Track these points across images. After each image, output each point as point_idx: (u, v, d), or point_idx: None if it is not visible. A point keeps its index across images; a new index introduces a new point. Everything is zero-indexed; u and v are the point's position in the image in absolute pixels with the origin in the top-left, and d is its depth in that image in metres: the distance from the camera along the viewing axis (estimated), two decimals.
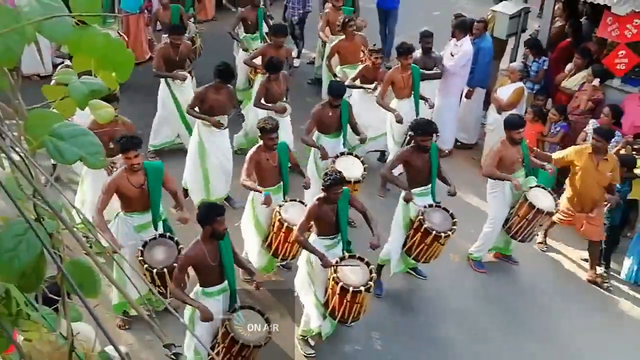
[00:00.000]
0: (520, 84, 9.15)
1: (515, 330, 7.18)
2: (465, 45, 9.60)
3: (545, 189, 7.57)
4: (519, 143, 7.41)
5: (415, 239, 6.96)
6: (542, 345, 6.99)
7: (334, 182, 6.15)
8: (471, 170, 9.59)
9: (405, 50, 8.61)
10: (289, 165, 7.24)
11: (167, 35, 9.49)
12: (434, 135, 7.15)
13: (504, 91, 9.19)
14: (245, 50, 10.05)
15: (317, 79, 11.17)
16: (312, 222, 6.39)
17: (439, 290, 7.71)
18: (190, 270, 5.89)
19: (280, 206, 6.85)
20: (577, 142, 8.50)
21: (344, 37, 9.77)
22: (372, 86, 9.01)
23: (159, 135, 9.24)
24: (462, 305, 7.48)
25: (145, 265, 6.09)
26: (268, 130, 6.84)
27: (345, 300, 6.07)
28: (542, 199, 7.42)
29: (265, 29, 10.46)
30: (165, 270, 6.07)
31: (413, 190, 7.05)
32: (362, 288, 6.02)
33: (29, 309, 1.53)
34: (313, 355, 6.65)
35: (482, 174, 7.53)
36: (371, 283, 6.13)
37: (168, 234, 6.50)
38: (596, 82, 8.76)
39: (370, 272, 6.22)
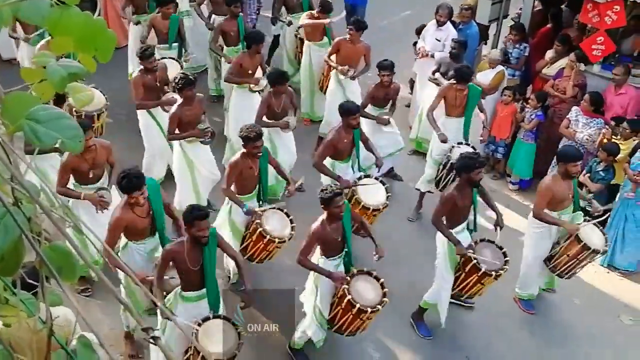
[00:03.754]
0: (500, 68, 9.26)
1: None
2: (451, 29, 9.69)
3: (590, 222, 6.91)
4: (573, 177, 6.77)
5: (469, 281, 6.51)
6: None
7: (334, 195, 5.83)
8: None
9: (464, 77, 8.07)
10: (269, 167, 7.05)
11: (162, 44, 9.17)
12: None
13: (484, 77, 9.24)
14: (230, 63, 9.27)
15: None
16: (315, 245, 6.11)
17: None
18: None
19: (260, 217, 6.63)
20: (560, 129, 8.57)
21: (348, 37, 9.16)
22: (384, 120, 8.48)
23: (152, 174, 8.33)
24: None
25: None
26: (252, 139, 6.59)
27: (359, 319, 5.91)
28: (592, 236, 6.79)
29: None
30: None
31: (453, 230, 6.52)
32: (379, 307, 5.85)
33: (7, 294, 1.52)
34: None
35: (533, 215, 6.80)
36: (386, 299, 5.90)
37: None
38: (581, 66, 8.82)
39: (382, 287, 5.99)
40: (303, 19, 9.95)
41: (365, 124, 8.17)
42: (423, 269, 7.34)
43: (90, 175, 6.70)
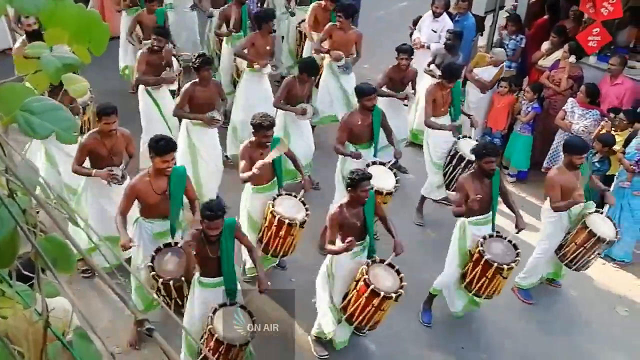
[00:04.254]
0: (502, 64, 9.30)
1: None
2: (447, 20, 9.70)
3: (602, 214, 6.97)
4: (578, 168, 6.78)
5: (475, 272, 6.42)
6: None
7: (362, 178, 5.79)
8: None
9: (454, 74, 7.97)
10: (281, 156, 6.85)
11: (147, 39, 8.89)
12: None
13: (486, 73, 9.22)
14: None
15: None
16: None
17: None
18: None
19: (273, 199, 6.55)
20: (556, 120, 8.58)
21: (338, 24, 9.11)
22: (403, 94, 8.52)
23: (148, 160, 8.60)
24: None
25: (153, 273, 5.82)
26: (265, 127, 6.45)
27: (371, 305, 5.81)
28: (602, 225, 6.82)
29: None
30: (171, 282, 5.76)
31: (471, 219, 6.51)
32: (394, 295, 5.74)
33: (3, 286, 1.52)
34: (326, 356, 6.48)
35: (552, 209, 6.77)
36: (402, 291, 5.80)
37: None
38: (572, 59, 8.80)
39: (401, 280, 5.89)
40: (310, 13, 9.86)
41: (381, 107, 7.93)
42: (427, 265, 7.35)
43: (111, 161, 6.57)
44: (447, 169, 8.01)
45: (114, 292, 1.35)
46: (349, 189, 5.90)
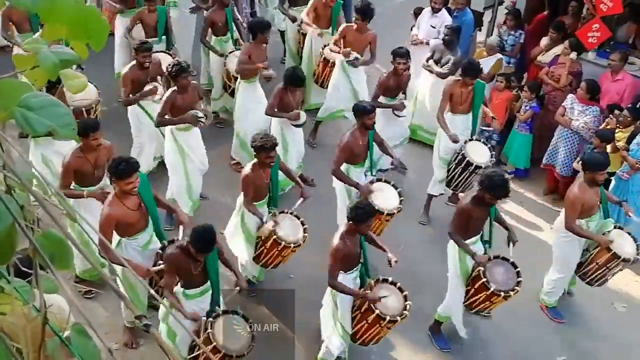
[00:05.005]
0: (499, 55, 9.25)
1: None
2: (446, 16, 9.69)
3: (622, 230, 6.85)
4: (599, 184, 6.65)
5: (478, 298, 6.36)
6: None
7: (367, 215, 5.75)
8: None
9: (474, 71, 7.80)
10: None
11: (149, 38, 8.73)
12: None
13: (483, 63, 9.21)
14: (221, 55, 9.31)
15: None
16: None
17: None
18: None
19: (273, 223, 6.48)
20: (555, 116, 8.57)
21: (355, 25, 8.98)
22: (399, 105, 8.36)
23: (142, 167, 8.27)
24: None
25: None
26: (267, 149, 6.41)
27: (377, 326, 5.86)
28: (623, 244, 6.66)
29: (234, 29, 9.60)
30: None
31: (467, 242, 6.35)
32: (399, 318, 5.80)
33: (2, 282, 1.52)
34: None
35: (565, 227, 6.64)
36: (407, 312, 5.82)
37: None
38: (573, 55, 8.79)
39: (405, 299, 5.90)
40: (311, 3, 9.76)
41: (377, 115, 7.72)
42: (432, 272, 7.30)
43: (95, 175, 6.55)
44: (450, 166, 7.93)
45: (113, 289, 1.35)
46: (351, 221, 5.79)
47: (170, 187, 7.80)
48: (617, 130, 7.99)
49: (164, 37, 9.40)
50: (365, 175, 7.40)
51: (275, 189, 6.85)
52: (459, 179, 7.90)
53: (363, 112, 7.02)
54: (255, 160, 6.56)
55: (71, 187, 6.50)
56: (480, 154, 7.71)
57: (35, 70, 1.51)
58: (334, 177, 7.32)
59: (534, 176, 9.20)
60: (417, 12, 10.18)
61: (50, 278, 1.49)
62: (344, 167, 7.19)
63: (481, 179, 6.18)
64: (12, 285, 1.51)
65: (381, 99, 8.35)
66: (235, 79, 8.89)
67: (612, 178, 7.96)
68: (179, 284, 5.71)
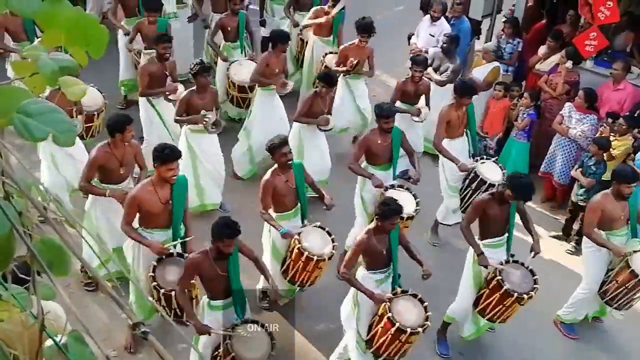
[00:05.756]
0: (496, 64, 9.26)
1: None
2: (445, 25, 9.71)
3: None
4: (627, 198, 6.51)
5: (491, 300, 6.24)
6: None
7: (394, 212, 5.68)
8: None
9: (469, 92, 7.62)
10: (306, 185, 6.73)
11: (148, 49, 8.54)
12: None
13: (480, 71, 9.25)
14: (225, 60, 9.30)
15: None
16: (360, 257, 5.91)
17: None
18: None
19: (299, 233, 6.34)
20: (553, 125, 8.58)
21: (355, 42, 8.93)
22: (415, 110, 8.37)
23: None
24: None
25: (154, 283, 5.78)
26: (278, 145, 6.34)
27: (398, 341, 5.70)
28: None
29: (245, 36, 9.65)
30: (173, 293, 5.68)
31: (485, 242, 6.32)
32: (420, 330, 5.66)
33: None
34: None
35: (584, 234, 6.64)
36: (428, 323, 5.73)
37: (185, 255, 6.03)
38: (569, 64, 8.81)
39: (426, 310, 5.78)
40: (308, 17, 9.76)
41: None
42: (440, 287, 7.16)
43: (121, 172, 6.47)
44: (465, 192, 7.60)
45: (110, 295, 1.35)
46: (377, 217, 5.75)
47: None
48: (612, 139, 7.99)
49: None
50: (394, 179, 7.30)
51: (304, 200, 6.64)
52: (472, 198, 7.52)
53: (379, 115, 7.01)
54: (275, 165, 6.46)
55: (93, 182, 6.43)
56: (493, 171, 7.49)
57: (34, 77, 1.51)
58: (355, 199, 7.28)
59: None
60: (410, 37, 10.19)
61: (48, 285, 1.49)
62: (364, 166, 7.17)
63: (508, 178, 6.21)
64: (9, 292, 1.51)
65: (399, 105, 8.34)
66: (237, 86, 8.87)
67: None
68: (206, 295, 5.69)
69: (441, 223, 8.07)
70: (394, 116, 7.12)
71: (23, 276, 1.48)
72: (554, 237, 8.41)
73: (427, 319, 5.73)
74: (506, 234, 6.41)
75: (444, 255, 7.96)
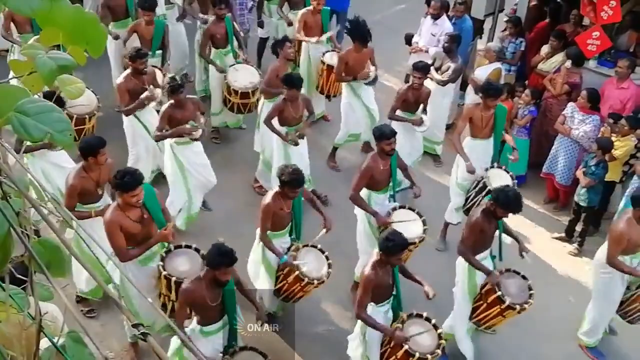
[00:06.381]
0: (497, 65, 9.21)
1: None
2: (447, 23, 9.69)
3: None
4: None
5: (490, 313, 6.20)
6: None
7: (400, 248, 5.55)
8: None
9: (494, 92, 7.51)
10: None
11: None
12: None
13: (482, 72, 9.22)
14: (222, 72, 9.04)
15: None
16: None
17: None
18: None
19: (295, 258, 6.27)
20: (555, 125, 8.56)
21: (353, 47, 8.72)
22: (417, 120, 8.19)
23: None
24: None
25: (165, 273, 5.74)
26: (295, 186, 6.15)
27: None
28: None
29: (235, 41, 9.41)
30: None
31: (476, 257, 6.22)
32: (438, 351, 5.56)
33: None
34: None
35: (606, 262, 6.39)
36: (443, 342, 5.67)
37: (194, 245, 6.05)
38: (568, 64, 8.79)
39: (436, 328, 5.73)
40: (300, 16, 9.64)
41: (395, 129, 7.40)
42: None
43: (99, 192, 6.43)
44: (470, 194, 7.56)
45: (110, 297, 1.34)
46: (382, 253, 5.60)
47: (170, 197, 7.61)
48: (614, 139, 7.95)
49: (158, 51, 9.13)
50: (389, 201, 7.15)
51: (299, 219, 6.60)
52: (475, 202, 7.50)
53: (380, 137, 6.79)
54: (278, 189, 6.30)
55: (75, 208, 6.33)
56: (502, 181, 7.29)
57: (32, 75, 1.50)
58: (359, 227, 7.14)
59: (532, 183, 9.16)
60: (409, 39, 10.15)
61: (45, 285, 1.48)
62: (365, 193, 6.96)
63: (495, 195, 6.10)
64: (7, 293, 1.50)
65: (399, 113, 8.26)
66: (239, 93, 8.77)
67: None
68: (195, 319, 5.54)
69: (447, 222, 8.03)
70: (396, 136, 6.92)
71: (20, 277, 1.47)
72: (557, 238, 8.38)
73: (440, 337, 5.66)
74: (490, 246, 6.35)
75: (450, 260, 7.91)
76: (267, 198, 6.30)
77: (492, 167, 7.59)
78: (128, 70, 7.92)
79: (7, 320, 1.43)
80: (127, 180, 5.55)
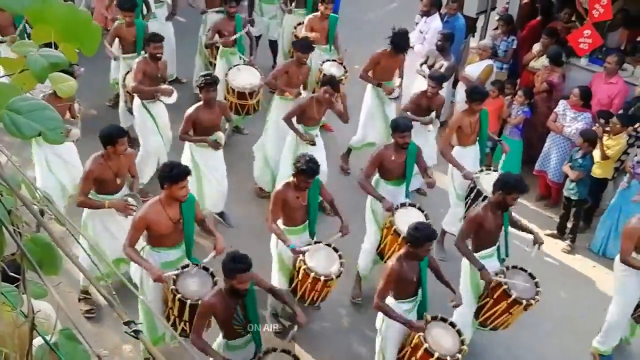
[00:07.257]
0: (489, 62, 9.23)
1: None
2: (435, 22, 9.69)
3: None
4: None
5: (496, 309, 6.16)
6: None
7: (427, 238, 5.50)
8: None
9: (480, 96, 7.54)
10: (320, 201, 6.54)
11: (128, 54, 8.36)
12: None
13: (473, 69, 9.24)
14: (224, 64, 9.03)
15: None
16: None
17: None
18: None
19: (304, 253, 6.12)
20: (547, 123, 8.59)
21: (388, 50, 8.53)
22: (428, 119, 8.16)
23: (144, 175, 8.00)
24: None
25: (179, 296, 5.52)
26: (308, 175, 6.05)
27: None
28: None
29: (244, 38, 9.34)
30: (195, 302, 5.46)
31: (480, 254, 6.19)
32: (459, 356, 5.48)
33: None
34: None
35: (619, 259, 6.39)
36: (465, 347, 5.59)
37: (203, 265, 5.86)
38: (545, 61, 8.83)
39: (462, 343, 5.63)
40: (307, 22, 9.53)
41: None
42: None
43: (117, 182, 6.35)
44: (466, 201, 7.48)
45: (101, 294, 1.34)
46: (409, 244, 5.57)
47: None
48: (606, 138, 7.98)
49: (143, 52, 8.84)
50: (407, 197, 7.10)
51: (314, 216, 6.49)
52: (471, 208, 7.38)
53: (395, 128, 6.82)
54: (292, 179, 6.22)
55: (90, 195, 6.27)
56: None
57: (23, 73, 1.50)
58: (366, 213, 7.12)
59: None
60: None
61: (38, 283, 1.48)
62: (374, 180, 6.98)
63: (496, 184, 6.11)
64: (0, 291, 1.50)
65: (409, 115, 8.11)
66: (236, 92, 8.67)
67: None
68: (221, 335, 5.37)
69: (447, 232, 7.91)
70: (410, 130, 6.89)
71: (13, 275, 1.47)
72: (549, 235, 8.41)
73: (462, 342, 5.61)
74: (497, 244, 6.34)
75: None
76: (279, 185, 6.33)
77: (480, 170, 7.54)
78: (144, 55, 7.97)
79: (0, 318, 1.43)
80: (176, 172, 5.53)
